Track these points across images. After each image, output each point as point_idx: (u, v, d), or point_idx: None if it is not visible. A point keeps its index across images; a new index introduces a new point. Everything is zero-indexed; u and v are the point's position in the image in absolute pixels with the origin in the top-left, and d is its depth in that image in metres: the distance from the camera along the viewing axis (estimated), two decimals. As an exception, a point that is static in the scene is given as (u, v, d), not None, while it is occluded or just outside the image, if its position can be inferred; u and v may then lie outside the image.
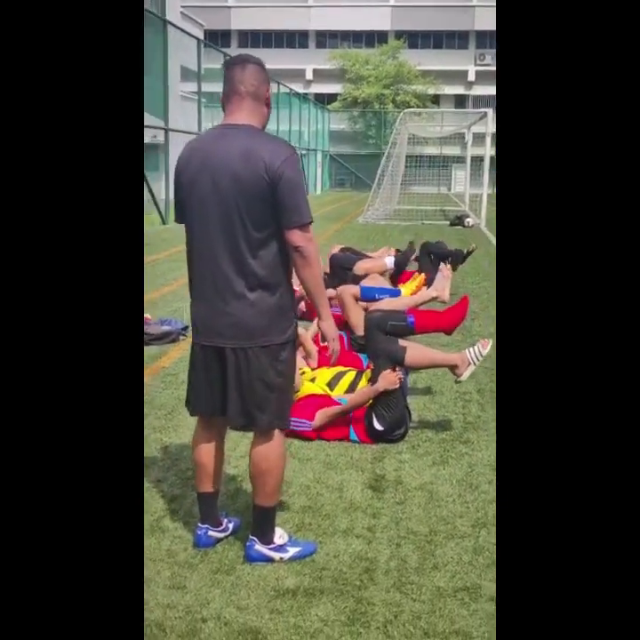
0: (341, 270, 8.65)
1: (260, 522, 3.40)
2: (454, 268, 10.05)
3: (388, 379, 4.74)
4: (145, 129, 19.79)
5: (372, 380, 4.92)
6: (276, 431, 3.33)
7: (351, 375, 5.38)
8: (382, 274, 8.50)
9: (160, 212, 19.69)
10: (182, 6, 38.38)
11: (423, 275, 7.71)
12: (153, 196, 19.11)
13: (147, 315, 8.05)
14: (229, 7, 57.96)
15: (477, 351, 4.97)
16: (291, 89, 36.51)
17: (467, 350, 5.04)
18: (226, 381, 3.25)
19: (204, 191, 3.15)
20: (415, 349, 5.00)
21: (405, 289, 7.39)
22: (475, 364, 4.99)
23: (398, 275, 8.64)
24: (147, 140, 20.69)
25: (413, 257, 8.83)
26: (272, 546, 3.38)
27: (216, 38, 51.78)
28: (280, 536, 3.41)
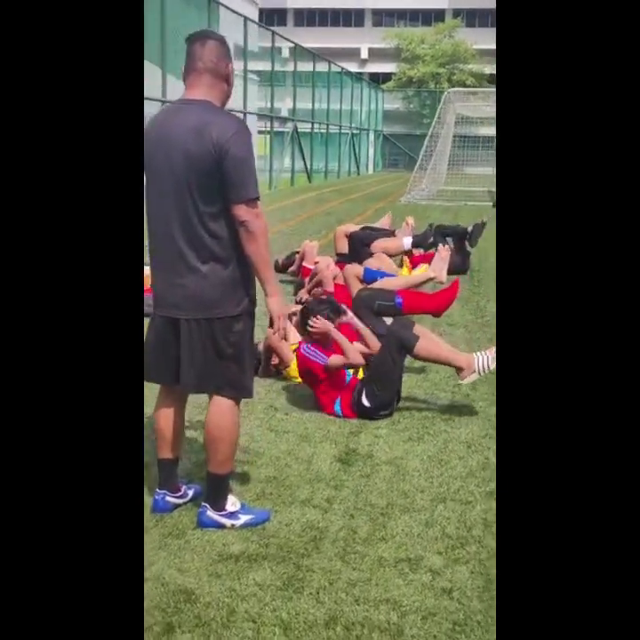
0: (361, 247, 8.69)
1: (213, 489, 3.49)
2: (473, 245, 10.00)
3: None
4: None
5: (374, 359, 4.94)
6: (230, 401, 3.40)
7: None
8: (398, 254, 8.50)
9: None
10: (236, -15, 38.44)
11: (425, 266, 7.69)
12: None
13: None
14: (286, -15, 57.83)
15: (486, 363, 4.91)
16: (342, 68, 36.34)
17: (475, 357, 4.99)
18: (179, 351, 3.33)
19: (159, 165, 3.22)
20: (427, 341, 4.98)
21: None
22: (480, 374, 4.95)
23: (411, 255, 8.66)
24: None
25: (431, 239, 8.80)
26: (224, 513, 3.46)
27: (272, 17, 51.72)
28: (232, 503, 3.49)
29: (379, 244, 8.24)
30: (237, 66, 26.10)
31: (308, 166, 31.58)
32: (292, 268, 9.23)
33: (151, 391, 3.47)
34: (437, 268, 6.46)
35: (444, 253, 6.53)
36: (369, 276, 6.80)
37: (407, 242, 8.44)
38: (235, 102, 23.94)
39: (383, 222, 9.79)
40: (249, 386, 3.49)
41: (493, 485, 3.96)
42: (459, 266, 9.97)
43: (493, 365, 4.89)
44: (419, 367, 5.95)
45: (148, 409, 3.57)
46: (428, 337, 5.09)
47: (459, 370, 5.01)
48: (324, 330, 4.87)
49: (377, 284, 6.28)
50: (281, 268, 9.65)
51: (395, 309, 5.36)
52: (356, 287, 6.74)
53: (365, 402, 4.82)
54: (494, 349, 5.03)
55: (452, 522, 3.60)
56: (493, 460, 4.28)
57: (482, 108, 34.49)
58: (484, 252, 11.71)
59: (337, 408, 4.88)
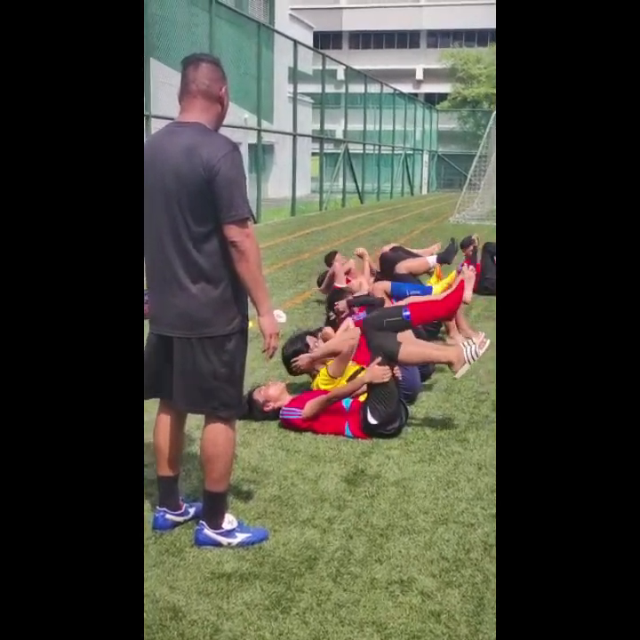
0: (391, 269, 8.70)
1: (209, 506, 3.51)
2: None
3: (374, 372, 4.79)
4: (256, 132, 20.29)
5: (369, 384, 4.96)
6: (225, 418, 3.42)
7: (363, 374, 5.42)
8: (423, 273, 8.48)
9: (251, 212, 20.02)
10: (291, 9, 38.90)
11: (454, 272, 7.64)
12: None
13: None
14: (341, 8, 58.32)
15: (474, 351, 4.94)
16: (394, 89, 36.44)
17: (463, 348, 5.01)
18: (172, 368, 3.38)
19: (151, 186, 3.28)
20: (410, 345, 5.02)
21: (437, 286, 7.35)
22: (470, 363, 4.97)
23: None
24: (253, 140, 21.15)
25: (455, 254, 8.77)
26: (220, 531, 3.48)
27: (327, 39, 52.22)
28: (229, 522, 3.51)
29: (404, 264, 8.24)
30: (291, 88, 26.49)
31: (360, 187, 31.67)
32: (321, 288, 9.27)
33: (149, 407, 3.51)
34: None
35: (468, 274, 6.49)
36: (396, 291, 6.81)
37: (432, 260, 8.42)
38: (285, 124, 24.17)
39: (430, 250, 9.78)
40: (241, 405, 3.53)
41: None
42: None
43: (481, 351, 4.94)
44: (443, 386, 5.92)
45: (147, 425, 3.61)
46: (411, 341, 5.12)
47: (450, 365, 5.07)
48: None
49: (404, 302, 6.28)
50: (323, 289, 9.70)
51: (404, 323, 5.35)
52: (385, 302, 6.75)
53: (371, 419, 4.83)
54: (482, 335, 5.05)
55: (451, 544, 3.56)
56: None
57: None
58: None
59: (347, 432, 4.89)
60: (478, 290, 9.92)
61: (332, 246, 15.30)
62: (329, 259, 9.39)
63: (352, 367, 5.53)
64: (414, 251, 9.38)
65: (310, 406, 4.89)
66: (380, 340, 4.97)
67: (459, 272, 6.95)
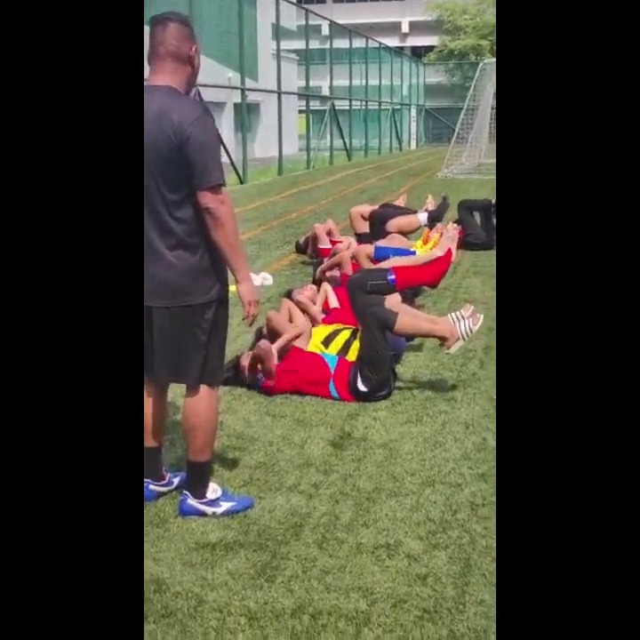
0: (380, 226, 8.61)
1: (193, 476, 3.47)
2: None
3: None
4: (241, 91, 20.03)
5: (361, 343, 4.90)
6: (206, 387, 3.37)
7: (346, 334, 5.36)
8: (414, 231, 8.39)
9: (237, 172, 19.88)
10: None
11: (437, 235, 7.55)
12: (229, 156, 19.27)
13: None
14: (325, -38, 57.30)
15: (468, 327, 4.88)
16: (380, 43, 35.96)
17: (456, 322, 4.94)
18: (152, 338, 3.32)
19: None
20: (406, 316, 4.94)
21: (421, 250, 7.28)
22: (464, 339, 4.91)
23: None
24: (238, 99, 20.86)
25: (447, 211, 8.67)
26: (204, 500, 3.45)
27: (311, -6, 51.34)
28: (213, 490, 3.48)
29: (394, 223, 8.15)
30: (274, 46, 26.10)
31: (348, 144, 31.39)
32: (308, 253, 9.21)
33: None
34: (445, 246, 6.34)
35: (452, 232, 6.42)
36: (379, 255, 6.73)
37: (423, 218, 8.32)
38: (270, 82, 23.85)
39: (399, 201, 9.68)
40: (223, 374, 3.48)
41: (485, 467, 3.89)
42: (483, 240, 9.82)
43: (476, 328, 4.88)
44: (429, 345, 5.86)
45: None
46: (406, 311, 5.06)
47: (442, 340, 4.98)
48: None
49: (385, 264, 6.20)
50: (303, 250, 9.61)
51: (388, 286, 5.29)
52: (366, 267, 6.67)
53: (361, 387, 4.78)
54: (471, 308, 4.98)
55: (438, 506, 3.54)
56: (491, 441, 4.20)
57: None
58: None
59: (332, 390, 4.84)
60: (464, 245, 9.84)
61: (319, 205, 15.19)
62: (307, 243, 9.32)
63: (331, 327, 5.50)
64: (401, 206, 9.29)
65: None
66: (376, 309, 4.90)
67: (441, 235, 6.88)
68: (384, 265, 6.25)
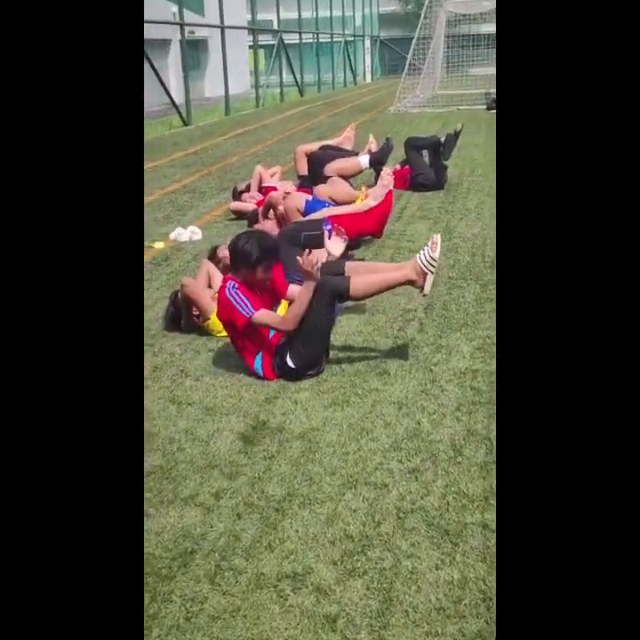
0: (319, 169, 7.95)
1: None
2: (446, 158, 9.21)
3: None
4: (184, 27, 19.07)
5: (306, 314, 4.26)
6: None
7: (285, 304, 4.69)
8: (355, 175, 7.74)
9: (180, 113, 19.00)
10: None
11: (364, 189, 6.89)
12: (170, 96, 18.35)
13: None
14: None
15: (428, 256, 4.15)
16: (329, -28, 34.65)
17: (417, 258, 4.24)
18: None
19: None
20: (361, 277, 4.25)
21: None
22: (431, 271, 4.21)
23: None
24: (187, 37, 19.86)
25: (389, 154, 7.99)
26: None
27: None
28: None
29: (333, 166, 7.49)
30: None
31: (299, 80, 30.35)
32: (249, 194, 8.47)
33: None
34: (378, 194, 5.71)
35: (386, 179, 5.78)
36: (310, 208, 6.08)
37: (364, 161, 7.65)
38: (216, 17, 22.72)
39: (344, 137, 8.96)
40: None
41: (417, 460, 3.35)
42: (433, 181, 9.19)
43: (435, 253, 4.15)
44: (365, 306, 5.27)
45: None
46: (360, 270, 4.40)
47: (412, 283, 4.28)
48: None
49: (317, 215, 5.57)
50: (239, 197, 8.92)
51: (324, 238, 4.67)
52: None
53: (290, 363, 4.16)
54: (434, 239, 4.26)
55: (359, 516, 2.99)
56: (426, 424, 3.65)
57: (479, 4, 32.75)
58: (466, 166, 10.90)
59: (257, 366, 4.23)
60: (412, 186, 9.22)
61: (264, 146, 14.44)
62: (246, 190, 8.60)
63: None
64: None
65: (263, 317, 4.11)
66: (328, 275, 4.25)
67: (377, 180, 6.23)
68: (316, 216, 5.62)
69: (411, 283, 4.27)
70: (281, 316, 4.22)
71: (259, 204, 7.69)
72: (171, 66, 30.17)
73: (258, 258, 4.15)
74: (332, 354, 4.49)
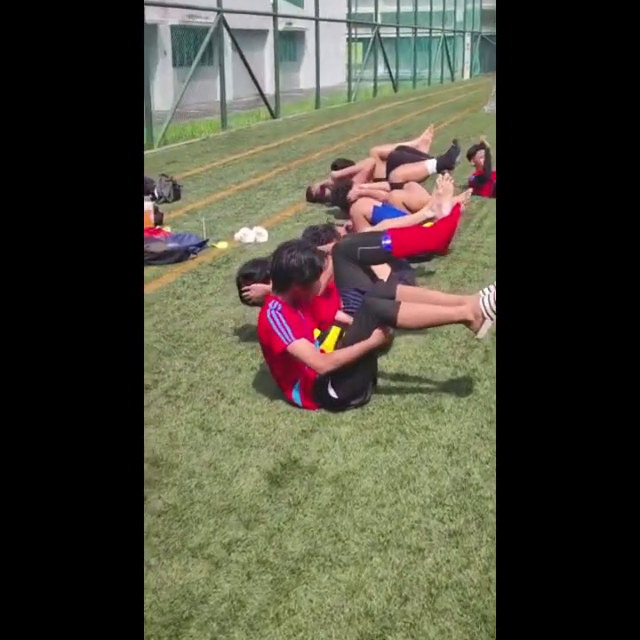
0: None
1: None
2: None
3: (378, 336, 3.71)
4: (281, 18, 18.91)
5: (348, 332, 3.88)
6: None
7: (337, 331, 4.28)
8: (423, 180, 7.28)
9: (268, 105, 18.77)
10: None
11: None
12: (259, 88, 18.11)
13: (166, 228, 7.31)
14: None
15: (492, 301, 3.75)
16: (431, -34, 34.00)
17: (480, 300, 3.80)
18: None
19: None
20: (410, 307, 3.80)
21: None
22: (492, 318, 3.76)
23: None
24: (281, 27, 19.64)
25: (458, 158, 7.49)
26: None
27: None
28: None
29: (398, 172, 7.06)
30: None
31: (394, 74, 29.85)
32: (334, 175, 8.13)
33: None
34: (436, 204, 5.26)
35: (444, 186, 5.31)
36: (378, 216, 5.68)
37: (431, 166, 7.18)
38: (312, 9, 22.42)
39: (422, 139, 8.51)
40: None
41: (461, 521, 2.93)
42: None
43: None
44: (428, 330, 4.83)
45: None
46: (410, 294, 3.95)
47: (466, 324, 3.85)
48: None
49: (377, 226, 5.16)
50: (314, 198, 8.59)
51: (383, 254, 4.26)
52: (363, 229, 5.65)
53: (332, 393, 3.77)
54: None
55: (385, 587, 2.59)
56: (477, 476, 3.22)
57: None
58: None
59: (295, 395, 3.86)
60: (493, 194, 8.72)
61: (348, 143, 14.08)
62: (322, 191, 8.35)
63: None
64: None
65: (303, 349, 3.70)
66: (375, 297, 3.85)
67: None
68: (377, 227, 5.22)
69: (466, 323, 3.83)
70: (320, 351, 3.84)
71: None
72: (266, 56, 30.08)
73: (311, 273, 3.78)
74: (383, 382, 4.09)
